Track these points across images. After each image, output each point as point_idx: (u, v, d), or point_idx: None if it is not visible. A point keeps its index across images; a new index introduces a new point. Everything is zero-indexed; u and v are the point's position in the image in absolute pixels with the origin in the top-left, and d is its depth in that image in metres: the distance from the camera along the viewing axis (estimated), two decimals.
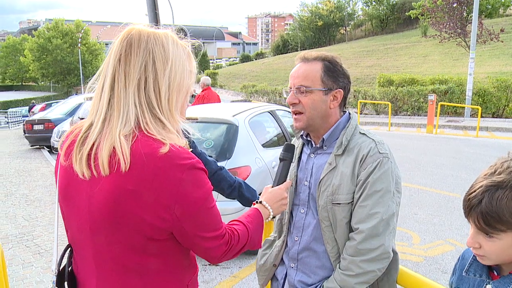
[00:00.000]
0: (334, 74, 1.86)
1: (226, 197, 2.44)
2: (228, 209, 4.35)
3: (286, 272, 2.00)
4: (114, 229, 1.27)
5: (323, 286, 1.82)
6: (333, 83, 1.85)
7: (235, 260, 4.83)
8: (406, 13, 45.27)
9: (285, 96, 1.95)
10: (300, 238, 1.94)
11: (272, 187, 1.80)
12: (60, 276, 1.42)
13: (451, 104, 18.08)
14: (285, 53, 59.03)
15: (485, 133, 15.04)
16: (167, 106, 1.32)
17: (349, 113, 1.95)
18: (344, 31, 60.57)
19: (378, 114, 20.80)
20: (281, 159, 1.89)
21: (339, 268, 1.78)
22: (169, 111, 1.33)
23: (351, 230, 1.79)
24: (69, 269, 1.45)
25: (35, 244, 5.45)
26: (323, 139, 1.89)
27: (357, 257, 1.72)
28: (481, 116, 16.89)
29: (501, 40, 25.08)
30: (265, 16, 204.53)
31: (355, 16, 61.51)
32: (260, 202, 1.70)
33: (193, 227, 1.30)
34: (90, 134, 1.30)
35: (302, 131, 1.98)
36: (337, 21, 59.07)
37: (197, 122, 5.47)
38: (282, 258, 2.04)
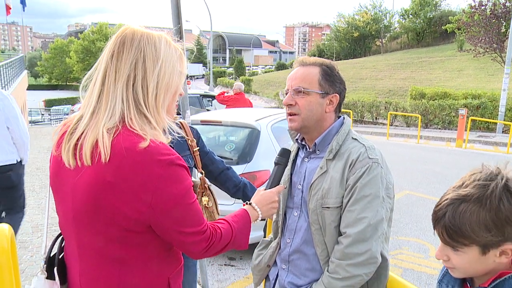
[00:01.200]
0: (331, 78, 1.88)
1: (231, 196, 2.49)
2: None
3: (278, 273, 2.03)
4: (94, 219, 1.31)
5: None
6: (330, 87, 1.87)
7: (250, 262, 4.87)
8: (442, 27, 44.48)
9: (281, 98, 1.98)
10: (292, 240, 1.96)
11: (265, 190, 1.82)
12: (50, 262, 1.48)
13: (483, 119, 17.62)
14: None
15: None
16: (153, 103, 1.36)
17: (343, 118, 1.95)
18: (380, 43, 59.81)
19: (409, 127, 20.44)
20: (275, 163, 1.92)
21: (327, 271, 1.79)
22: (156, 108, 1.37)
23: (340, 234, 1.80)
24: (60, 256, 1.50)
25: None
26: (315, 143, 1.90)
27: (344, 261, 1.73)
28: None
29: None
30: (303, 26, 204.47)
31: (392, 28, 60.59)
32: (250, 204, 1.72)
33: (171, 221, 1.33)
34: (79, 125, 1.35)
35: (298, 135, 2.00)
36: (373, 33, 58.33)
37: (220, 125, 5.56)
38: (275, 260, 2.06)
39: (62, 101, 48.64)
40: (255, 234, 4.74)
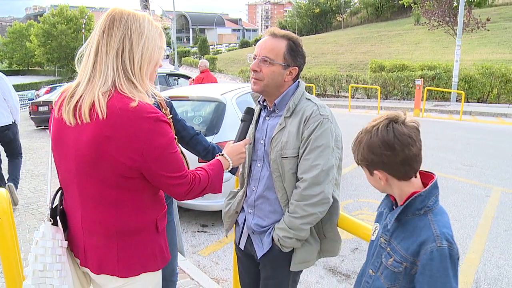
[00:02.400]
0: (294, 53, 2.08)
1: (202, 159, 2.69)
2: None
3: (245, 218, 2.26)
4: (94, 168, 1.54)
5: (274, 227, 2.08)
6: (292, 61, 2.08)
7: (221, 228, 5.10)
8: (400, 1, 45.19)
9: (248, 61, 2.19)
10: (256, 188, 2.19)
11: (234, 143, 2.05)
12: (53, 211, 1.70)
13: (437, 89, 18.22)
14: None
15: (469, 117, 15.24)
16: (139, 72, 1.59)
17: (298, 82, 2.17)
18: (341, 19, 60.23)
19: (369, 99, 20.93)
20: (242, 120, 2.15)
21: (288, 211, 2.03)
22: (140, 76, 1.60)
23: (297, 180, 2.04)
24: (61, 207, 1.73)
25: (39, 212, 5.72)
26: (275, 103, 2.13)
27: (301, 202, 1.98)
28: (467, 101, 17.09)
29: (487, 29, 25.11)
30: (265, 3, 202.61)
31: (352, 4, 61.10)
32: (222, 155, 1.96)
33: (158, 167, 1.57)
34: (77, 90, 1.57)
35: (260, 97, 2.22)
36: (334, 8, 58.77)
37: (188, 100, 5.72)
38: (242, 206, 2.29)
39: (25, 87, 47.02)
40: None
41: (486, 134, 11.44)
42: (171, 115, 2.59)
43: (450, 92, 18.23)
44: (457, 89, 17.80)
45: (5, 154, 6.25)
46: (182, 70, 35.19)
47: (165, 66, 36.42)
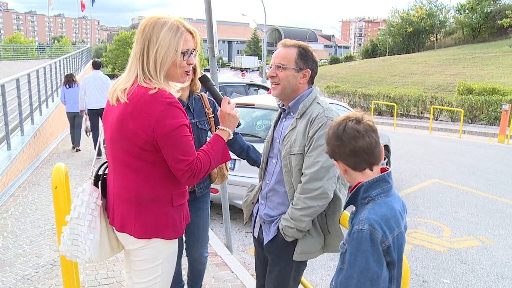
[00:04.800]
0: (305, 58, 2.34)
1: (237, 156, 3.01)
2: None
3: (258, 208, 2.54)
4: (120, 139, 1.92)
5: (281, 217, 2.33)
6: (303, 64, 2.33)
7: None
8: (498, 22, 42.44)
9: (266, 71, 2.51)
10: (270, 181, 2.44)
11: (218, 112, 2.20)
12: (96, 176, 2.12)
13: None
14: (373, 57, 57.83)
15: None
16: (154, 72, 1.91)
17: (313, 88, 2.42)
18: (434, 39, 57.76)
19: (453, 122, 20.08)
20: (206, 88, 2.31)
21: (291, 203, 2.28)
22: (155, 75, 1.91)
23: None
24: (104, 176, 2.14)
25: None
26: (289, 106, 2.39)
27: (302, 195, 2.20)
28: None
29: None
30: (359, 21, 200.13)
31: (447, 23, 58.33)
32: (218, 128, 2.14)
33: (165, 144, 1.86)
34: (118, 81, 1.99)
35: (279, 101, 2.48)
36: (427, 28, 56.50)
37: (254, 107, 6.15)
38: (258, 198, 2.57)
39: None
40: None
41: None
42: (213, 115, 2.95)
43: None
44: None
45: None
46: (269, 83, 35.81)
47: (254, 78, 37.44)
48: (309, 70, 2.36)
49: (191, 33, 2.00)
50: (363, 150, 1.68)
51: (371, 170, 1.72)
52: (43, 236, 4.87)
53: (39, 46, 47.80)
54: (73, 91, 9.73)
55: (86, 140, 10.30)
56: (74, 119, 9.84)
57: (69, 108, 9.83)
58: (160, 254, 2.04)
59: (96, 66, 9.35)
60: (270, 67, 2.39)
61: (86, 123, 9.42)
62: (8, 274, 3.90)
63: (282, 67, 2.33)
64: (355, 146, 1.68)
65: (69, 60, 19.63)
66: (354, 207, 1.78)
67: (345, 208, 1.99)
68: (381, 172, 1.74)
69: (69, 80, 9.91)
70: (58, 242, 2.22)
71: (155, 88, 1.87)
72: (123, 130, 1.88)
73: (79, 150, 9.95)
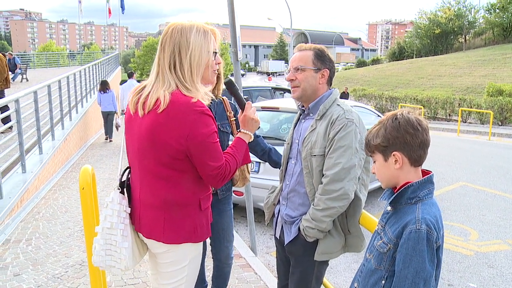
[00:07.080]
0: (322, 58, 2.34)
1: (258, 158, 3.04)
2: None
3: (279, 209, 2.54)
4: (151, 149, 1.91)
5: (302, 218, 2.33)
6: (321, 64, 2.33)
7: None
8: None
9: (285, 75, 2.50)
10: (290, 182, 2.43)
11: (240, 116, 2.21)
12: (121, 184, 2.10)
13: None
14: (400, 60, 56.92)
15: None
16: (190, 79, 1.91)
17: (333, 90, 2.41)
18: (463, 40, 56.34)
19: (482, 124, 19.56)
20: (230, 93, 2.25)
21: (312, 204, 2.28)
22: (192, 82, 1.90)
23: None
24: (128, 182, 2.12)
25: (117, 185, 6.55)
26: (309, 107, 2.38)
27: (323, 196, 2.20)
28: None
29: None
30: (386, 23, 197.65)
31: (476, 24, 56.81)
32: (240, 131, 2.17)
33: (198, 151, 1.87)
34: (144, 91, 1.95)
35: (299, 103, 2.48)
36: (455, 29, 55.19)
37: (278, 111, 6.14)
38: (279, 199, 2.57)
39: None
40: None
41: None
42: (234, 118, 2.98)
43: None
44: None
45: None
46: None
47: (280, 82, 37.41)
48: (327, 69, 2.36)
49: (214, 33, 2.04)
50: (428, 144, 1.66)
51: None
52: (72, 237, 5.01)
53: (70, 53, 49.30)
54: (107, 95, 12.79)
55: (115, 133, 13.50)
56: (107, 116, 12.98)
57: (104, 108, 12.87)
58: (187, 256, 2.06)
59: (130, 75, 13.17)
60: (288, 71, 2.40)
61: (117, 120, 12.89)
62: (40, 272, 4.03)
63: (300, 69, 2.33)
64: (425, 138, 1.65)
65: (98, 67, 20.09)
66: (390, 207, 1.74)
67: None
68: (423, 176, 1.71)
69: (104, 87, 12.87)
70: (85, 243, 2.27)
71: (194, 98, 1.86)
72: (155, 141, 1.88)
73: (111, 141, 13.04)
